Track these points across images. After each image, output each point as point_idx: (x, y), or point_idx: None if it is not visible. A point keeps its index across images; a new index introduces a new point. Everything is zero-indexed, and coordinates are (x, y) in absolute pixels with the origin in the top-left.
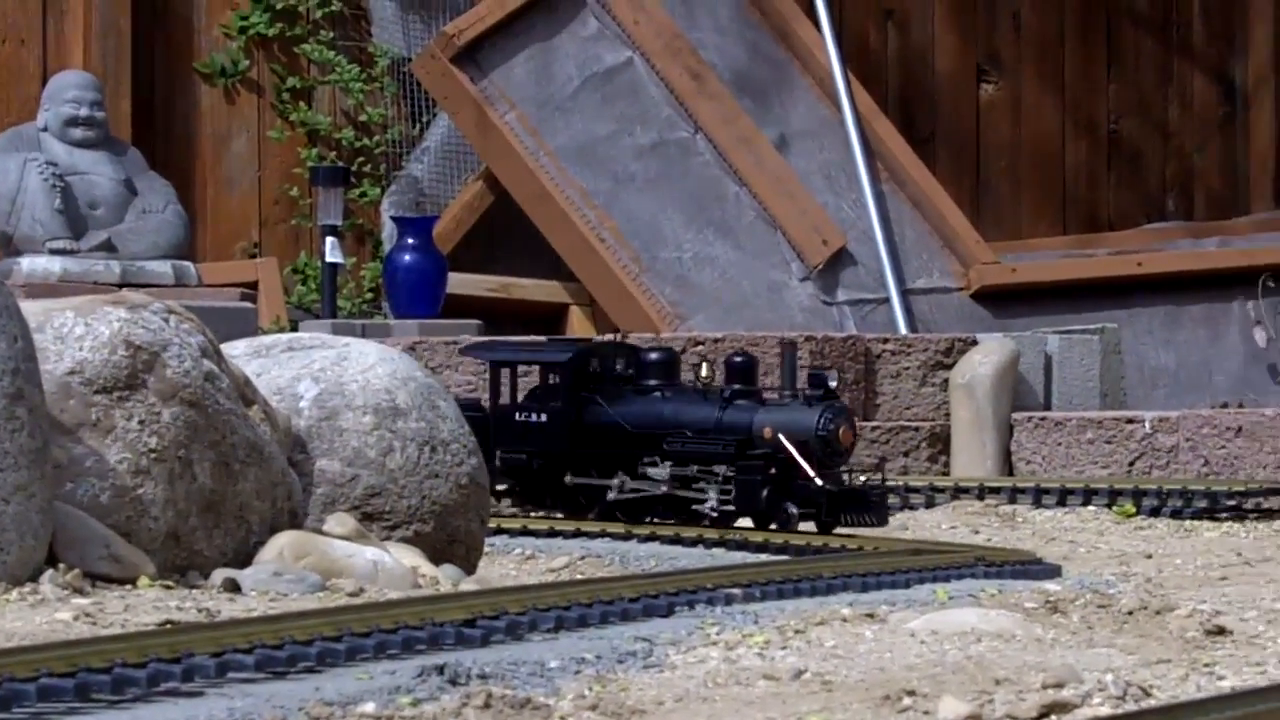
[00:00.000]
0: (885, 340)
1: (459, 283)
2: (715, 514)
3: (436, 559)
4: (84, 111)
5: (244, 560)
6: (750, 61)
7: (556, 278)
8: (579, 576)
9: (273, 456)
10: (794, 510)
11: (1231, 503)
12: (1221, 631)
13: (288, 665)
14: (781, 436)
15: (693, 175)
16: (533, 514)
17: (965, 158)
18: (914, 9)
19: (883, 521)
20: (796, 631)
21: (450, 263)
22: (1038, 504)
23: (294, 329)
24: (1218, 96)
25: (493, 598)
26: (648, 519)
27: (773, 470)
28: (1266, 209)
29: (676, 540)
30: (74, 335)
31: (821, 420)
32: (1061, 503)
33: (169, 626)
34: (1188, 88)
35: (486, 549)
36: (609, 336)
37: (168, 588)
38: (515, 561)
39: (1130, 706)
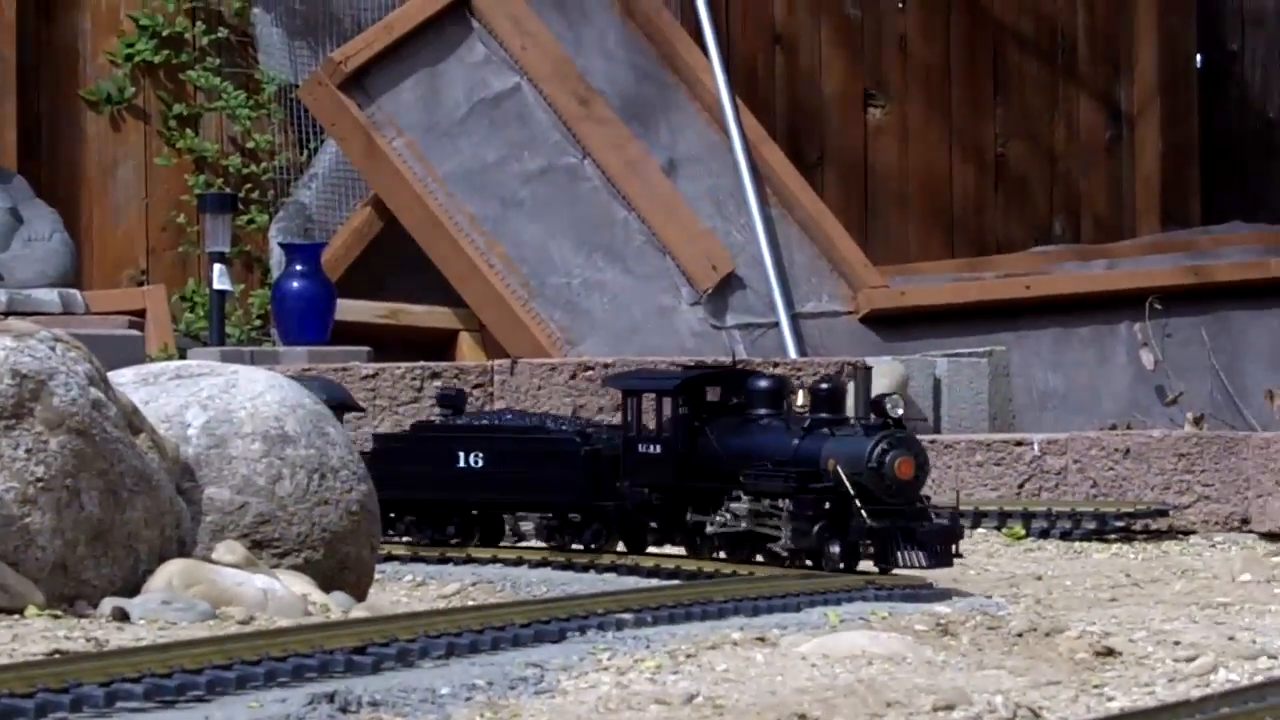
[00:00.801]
0: (775, 364)
1: (348, 309)
2: (781, 551)
3: (327, 586)
4: None
5: (133, 589)
6: (638, 87)
7: (446, 304)
8: (470, 603)
9: (161, 485)
10: (836, 549)
11: (1120, 524)
12: (1111, 653)
13: (177, 694)
14: (839, 469)
15: (581, 200)
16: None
17: (853, 182)
18: (801, 34)
19: (939, 562)
20: (688, 656)
21: (339, 289)
22: None
23: (182, 356)
24: (1103, 120)
25: (384, 625)
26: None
27: (826, 505)
28: (1153, 231)
29: (568, 566)
30: None
31: (874, 451)
32: None
33: (57, 656)
34: (1074, 111)
35: (377, 575)
36: (724, 360)
37: (56, 617)
38: (406, 588)
39: None
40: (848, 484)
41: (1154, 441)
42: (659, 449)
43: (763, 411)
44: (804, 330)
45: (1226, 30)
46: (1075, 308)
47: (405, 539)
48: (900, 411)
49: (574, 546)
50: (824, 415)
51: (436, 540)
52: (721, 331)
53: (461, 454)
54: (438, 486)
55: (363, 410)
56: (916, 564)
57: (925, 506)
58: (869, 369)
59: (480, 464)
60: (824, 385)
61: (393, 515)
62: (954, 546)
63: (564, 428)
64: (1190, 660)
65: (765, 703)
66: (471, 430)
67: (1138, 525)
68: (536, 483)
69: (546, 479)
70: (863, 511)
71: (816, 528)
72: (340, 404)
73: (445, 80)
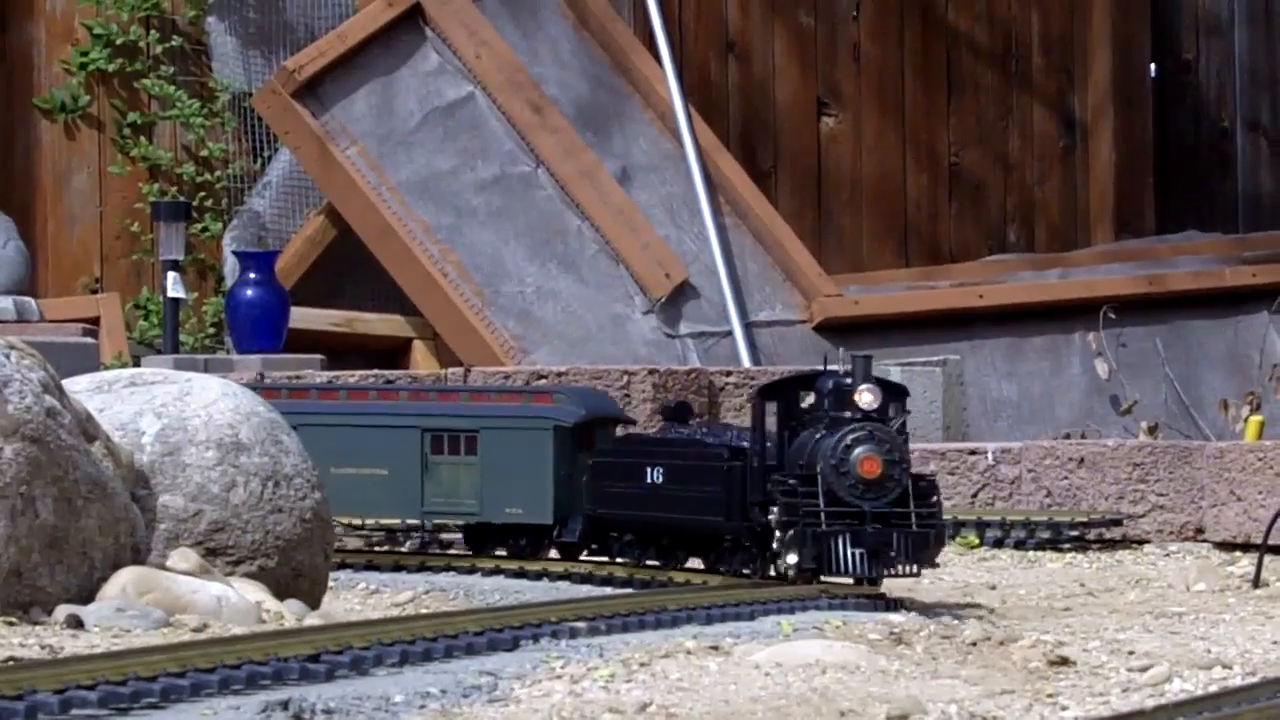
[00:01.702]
0: (728, 373)
1: (302, 317)
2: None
3: (281, 594)
4: None
5: (87, 596)
6: (592, 95)
7: (400, 312)
8: (424, 610)
9: (115, 492)
10: (791, 560)
11: (1074, 533)
12: (1065, 662)
13: (131, 701)
14: (819, 471)
15: (535, 209)
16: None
17: (807, 190)
18: (755, 42)
19: (895, 572)
20: (641, 664)
21: (293, 297)
22: None
23: (136, 364)
24: (1057, 128)
25: (337, 632)
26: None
27: (803, 511)
28: (1107, 240)
29: (521, 574)
30: None
31: (837, 447)
32: None
33: (11, 663)
34: (1028, 119)
35: (331, 583)
36: (827, 366)
37: (10, 624)
38: (360, 596)
39: None
40: (819, 486)
41: (1108, 451)
42: (758, 462)
43: (833, 415)
44: (757, 339)
45: (1181, 39)
46: (1029, 317)
47: (620, 560)
48: (876, 405)
49: (744, 572)
50: (843, 414)
51: (647, 563)
52: (675, 340)
53: (649, 469)
54: (636, 504)
55: (634, 423)
56: (859, 573)
57: (906, 510)
58: (868, 358)
59: (660, 479)
60: (847, 381)
61: (614, 535)
62: (927, 554)
63: (726, 440)
64: (1144, 670)
65: (718, 712)
66: (657, 444)
67: (1092, 534)
68: (693, 500)
69: (700, 496)
70: (822, 514)
71: (789, 535)
72: (613, 418)
73: (399, 89)
